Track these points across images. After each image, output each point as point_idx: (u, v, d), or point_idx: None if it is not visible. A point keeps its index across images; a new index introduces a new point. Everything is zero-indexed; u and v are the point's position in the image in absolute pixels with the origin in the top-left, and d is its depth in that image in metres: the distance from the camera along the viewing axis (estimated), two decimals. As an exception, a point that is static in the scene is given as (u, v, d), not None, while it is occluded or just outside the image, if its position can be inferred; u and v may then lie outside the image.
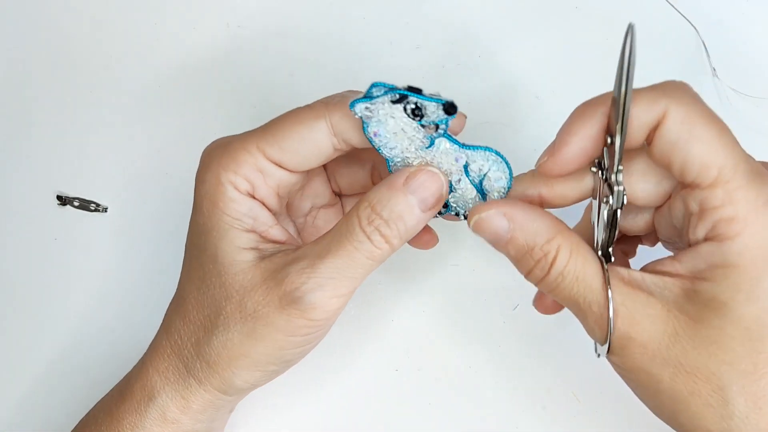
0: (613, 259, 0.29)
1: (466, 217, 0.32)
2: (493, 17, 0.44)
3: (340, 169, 0.36)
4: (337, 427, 0.40)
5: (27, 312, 0.43)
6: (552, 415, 0.39)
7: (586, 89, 0.43)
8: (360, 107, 0.29)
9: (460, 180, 0.31)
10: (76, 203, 0.43)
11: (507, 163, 0.31)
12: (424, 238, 0.36)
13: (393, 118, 0.30)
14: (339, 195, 0.38)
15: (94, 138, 0.44)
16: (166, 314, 0.34)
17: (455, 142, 0.31)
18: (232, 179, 0.31)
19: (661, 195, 0.30)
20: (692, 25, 0.42)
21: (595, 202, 0.30)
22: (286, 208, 0.36)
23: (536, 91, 0.43)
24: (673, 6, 0.42)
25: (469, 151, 0.31)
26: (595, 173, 0.30)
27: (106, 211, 0.44)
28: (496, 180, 0.31)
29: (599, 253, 0.30)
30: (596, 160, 0.30)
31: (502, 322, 0.40)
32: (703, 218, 0.27)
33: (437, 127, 0.30)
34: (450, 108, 0.29)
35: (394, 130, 0.30)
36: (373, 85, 0.30)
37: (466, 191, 0.32)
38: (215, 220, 0.31)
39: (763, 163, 0.28)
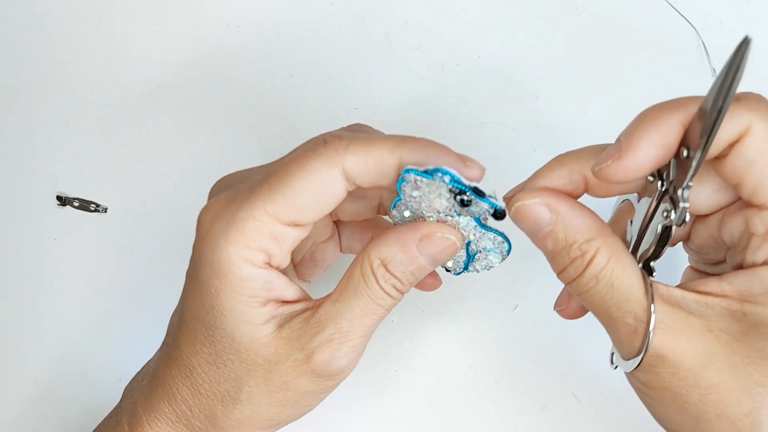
0: (655, 274, 0.28)
1: (447, 270, 0.33)
2: (493, 17, 0.44)
3: (344, 205, 0.34)
4: (337, 427, 0.40)
5: (27, 312, 0.43)
6: (552, 415, 0.39)
7: (586, 89, 0.43)
8: (413, 177, 0.28)
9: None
10: (76, 203, 0.43)
11: (509, 250, 0.31)
12: (428, 282, 0.35)
13: (439, 197, 0.28)
14: (335, 222, 0.36)
15: (94, 138, 0.44)
16: (163, 376, 0.32)
17: (479, 222, 0.30)
18: (246, 255, 0.28)
19: (713, 206, 0.28)
20: (692, 25, 0.42)
21: (641, 208, 0.29)
22: None
23: (536, 91, 0.43)
24: (672, 6, 0.42)
25: (484, 232, 0.30)
26: (651, 182, 0.27)
27: (106, 211, 0.44)
28: (489, 260, 0.32)
29: (640, 264, 0.28)
30: (654, 171, 0.28)
31: (502, 322, 0.40)
32: (752, 226, 0.26)
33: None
34: (499, 215, 0.28)
35: (431, 201, 0.29)
36: (437, 171, 0.27)
37: (456, 256, 0.32)
38: (229, 302, 0.28)
39: None
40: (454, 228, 0.29)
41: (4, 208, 0.44)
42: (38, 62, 0.46)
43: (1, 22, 0.46)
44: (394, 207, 0.30)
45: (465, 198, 0.28)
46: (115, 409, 0.34)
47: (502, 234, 0.30)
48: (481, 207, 0.28)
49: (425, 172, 0.27)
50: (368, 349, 0.41)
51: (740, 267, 0.27)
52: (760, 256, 0.26)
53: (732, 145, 0.26)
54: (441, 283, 0.35)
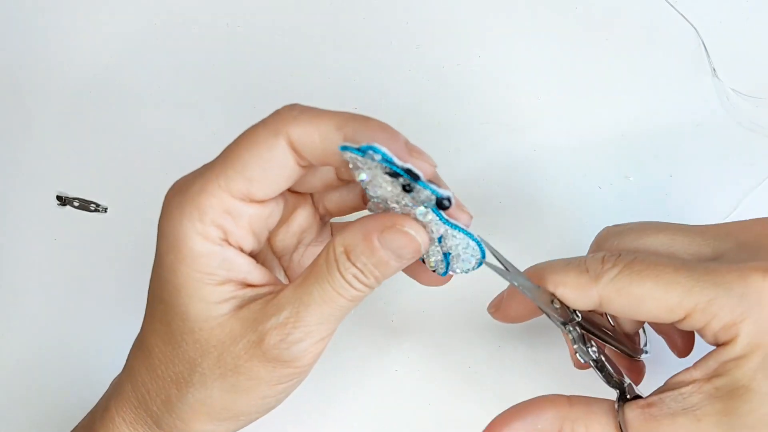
0: (628, 395, 0.30)
1: (433, 270, 0.31)
2: (493, 17, 0.44)
3: (326, 195, 0.34)
4: (337, 427, 0.40)
5: (27, 312, 0.43)
6: (552, 415, 0.39)
7: (586, 89, 0.43)
8: (349, 155, 0.26)
9: (431, 240, 0.29)
10: (76, 203, 0.43)
11: (483, 253, 0.30)
12: (427, 276, 0.33)
13: (385, 182, 0.27)
14: (324, 217, 0.35)
15: (94, 138, 0.44)
16: (129, 356, 0.32)
17: (440, 216, 0.28)
18: (200, 230, 0.27)
19: (637, 327, 0.33)
20: (692, 25, 0.42)
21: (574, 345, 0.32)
22: (270, 245, 0.34)
23: (536, 91, 0.43)
24: (673, 6, 0.42)
25: (450, 229, 0.29)
26: (564, 330, 0.31)
27: (106, 211, 0.44)
28: (464, 262, 0.30)
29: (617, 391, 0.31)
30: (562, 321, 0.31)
31: (501, 322, 0.40)
32: (704, 336, 0.28)
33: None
34: (442, 203, 0.27)
35: (379, 188, 0.28)
36: (369, 148, 0.26)
37: (435, 253, 0.30)
38: (183, 278, 0.28)
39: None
40: (420, 221, 0.28)
41: (4, 208, 0.44)
42: (38, 62, 0.46)
43: (1, 22, 0.46)
44: (367, 194, 0.29)
45: (403, 182, 0.26)
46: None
47: (468, 233, 0.29)
48: (423, 194, 0.27)
49: (358, 149, 0.26)
50: (368, 349, 0.41)
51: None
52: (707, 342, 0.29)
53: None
54: (443, 279, 0.33)
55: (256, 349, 0.28)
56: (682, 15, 0.42)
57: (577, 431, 0.29)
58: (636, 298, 0.28)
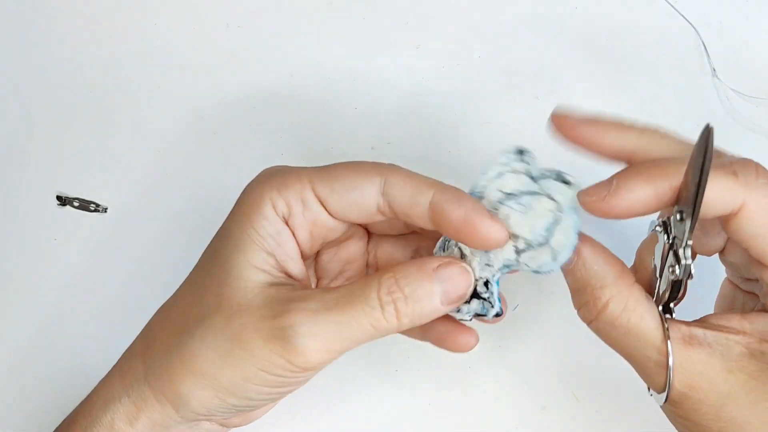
0: (674, 314, 0.29)
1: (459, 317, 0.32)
2: (492, 17, 0.44)
3: (384, 241, 0.35)
4: (337, 427, 0.40)
5: (26, 312, 0.43)
6: (552, 415, 0.39)
7: (586, 89, 0.43)
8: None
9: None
10: (76, 203, 0.43)
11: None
12: (461, 339, 0.34)
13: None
14: (370, 263, 0.37)
15: (94, 138, 0.44)
16: (151, 319, 0.33)
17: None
18: (274, 198, 0.30)
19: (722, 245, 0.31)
20: (692, 25, 0.42)
21: (657, 251, 0.30)
22: (315, 262, 0.35)
23: (536, 91, 0.43)
24: (673, 6, 0.42)
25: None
26: (660, 232, 0.29)
27: (106, 211, 0.44)
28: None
29: (660, 306, 0.29)
30: (660, 220, 0.29)
31: (502, 322, 0.40)
32: None
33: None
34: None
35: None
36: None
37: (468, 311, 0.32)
38: (240, 231, 0.30)
39: None
40: (472, 270, 0.30)
41: (4, 208, 0.44)
42: (38, 62, 0.46)
43: (1, 22, 0.46)
44: (436, 251, 0.32)
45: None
46: None
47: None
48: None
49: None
50: (368, 349, 0.41)
51: (763, 310, 0.29)
52: None
53: (730, 217, 0.27)
54: (477, 339, 0.34)
55: (264, 323, 0.29)
56: (682, 15, 0.42)
57: (627, 307, 0.28)
58: None
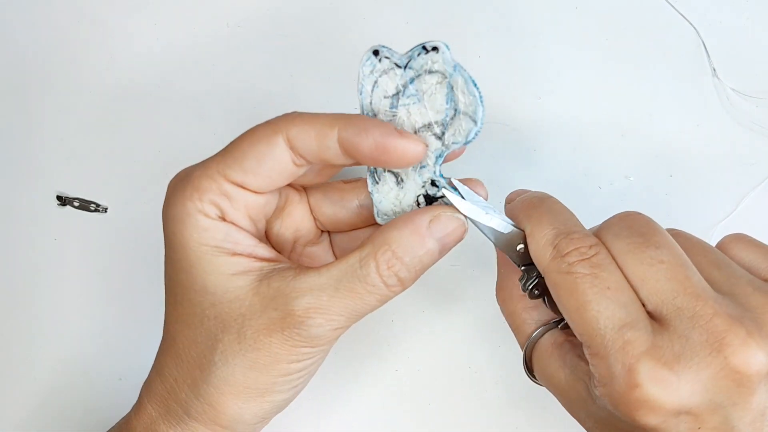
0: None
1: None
2: (492, 17, 0.44)
3: (322, 204, 0.35)
4: (337, 427, 0.40)
5: (27, 312, 0.43)
6: (552, 415, 0.39)
7: (586, 89, 0.43)
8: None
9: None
10: (76, 203, 0.43)
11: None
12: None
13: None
14: (325, 232, 0.37)
15: (94, 138, 0.44)
16: (157, 355, 0.33)
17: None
18: (199, 207, 0.30)
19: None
20: (692, 25, 0.42)
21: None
22: (267, 238, 0.35)
23: (536, 91, 0.43)
24: (673, 6, 0.42)
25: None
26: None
27: (106, 211, 0.44)
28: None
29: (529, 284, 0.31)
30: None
31: (502, 322, 0.40)
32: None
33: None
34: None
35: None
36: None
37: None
38: (195, 254, 0.30)
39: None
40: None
41: (4, 208, 0.44)
42: (38, 62, 0.46)
43: (1, 22, 0.46)
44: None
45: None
46: None
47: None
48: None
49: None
50: (368, 349, 0.41)
51: None
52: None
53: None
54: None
55: (276, 326, 0.29)
56: (682, 15, 0.42)
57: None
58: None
